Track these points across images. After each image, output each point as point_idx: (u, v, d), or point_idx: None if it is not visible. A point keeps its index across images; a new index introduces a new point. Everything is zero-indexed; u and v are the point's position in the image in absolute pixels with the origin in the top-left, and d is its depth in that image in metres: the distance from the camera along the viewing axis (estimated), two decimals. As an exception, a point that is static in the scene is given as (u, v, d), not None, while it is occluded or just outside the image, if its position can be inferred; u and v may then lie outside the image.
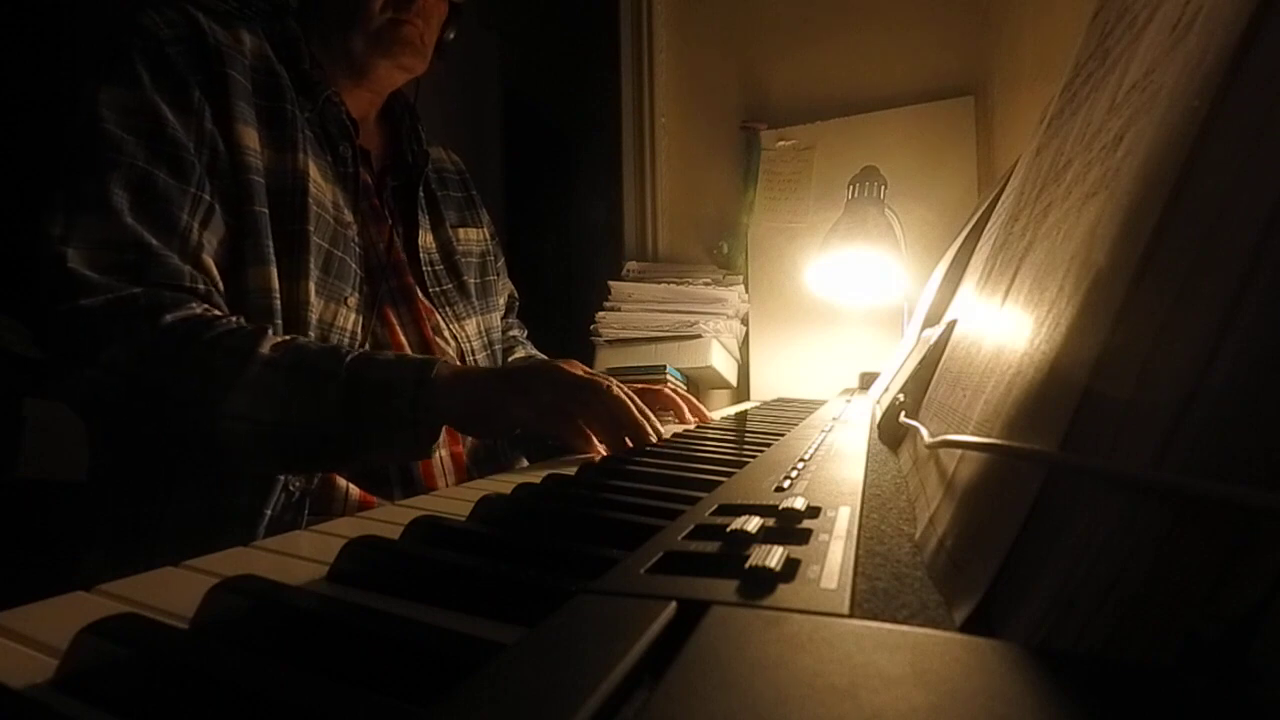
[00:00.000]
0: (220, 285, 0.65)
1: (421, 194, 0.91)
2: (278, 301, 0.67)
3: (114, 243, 0.59)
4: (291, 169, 0.71)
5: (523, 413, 0.61)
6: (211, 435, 0.58)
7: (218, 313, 0.63)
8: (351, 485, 0.71)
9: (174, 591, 0.25)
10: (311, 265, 0.70)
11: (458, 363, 0.86)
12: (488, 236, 1.03)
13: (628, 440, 0.60)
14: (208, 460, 0.63)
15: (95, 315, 0.57)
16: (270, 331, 0.62)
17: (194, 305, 0.61)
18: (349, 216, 0.76)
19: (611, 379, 0.63)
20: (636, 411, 0.61)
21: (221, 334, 0.59)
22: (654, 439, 0.62)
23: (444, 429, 0.63)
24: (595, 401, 0.61)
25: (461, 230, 0.97)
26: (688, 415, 0.88)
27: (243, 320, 0.63)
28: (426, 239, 0.90)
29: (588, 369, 0.66)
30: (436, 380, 0.59)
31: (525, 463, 0.92)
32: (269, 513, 0.65)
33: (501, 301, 1.04)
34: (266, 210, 0.68)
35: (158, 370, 0.58)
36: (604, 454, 0.60)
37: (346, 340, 0.74)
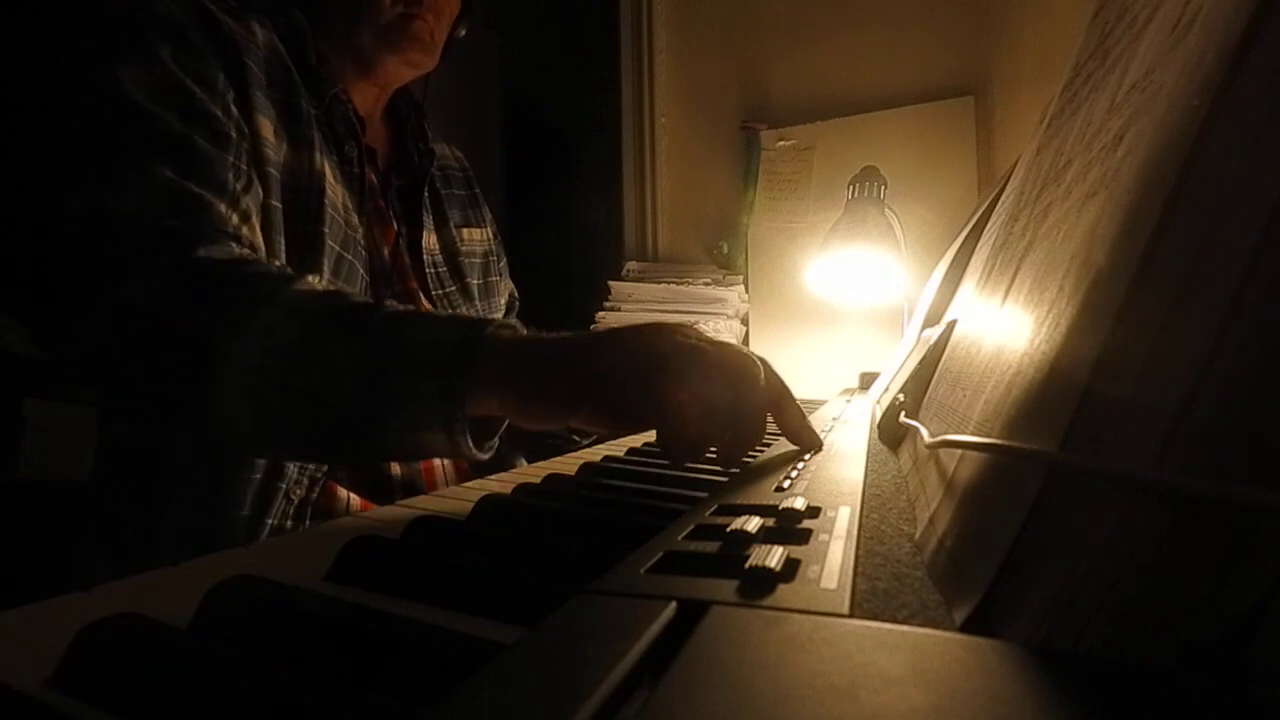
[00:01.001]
0: (262, 250, 0.60)
1: (426, 194, 0.89)
2: None
3: (159, 195, 0.54)
4: (308, 168, 0.69)
5: (602, 398, 0.43)
6: (208, 391, 0.48)
7: (255, 255, 0.56)
8: (352, 495, 0.70)
9: (174, 591, 0.25)
10: (325, 268, 0.68)
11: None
12: (491, 236, 1.02)
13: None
14: (201, 443, 0.56)
15: (125, 246, 0.52)
16: (310, 278, 0.51)
17: (234, 246, 0.55)
18: (355, 219, 0.75)
19: (761, 361, 0.45)
20: (798, 414, 0.46)
21: (252, 274, 0.51)
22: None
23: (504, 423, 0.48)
24: (742, 393, 0.42)
25: (465, 230, 0.95)
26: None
27: (288, 269, 0.55)
28: (430, 240, 0.88)
29: (709, 337, 0.46)
30: (493, 337, 0.44)
31: (525, 463, 0.91)
32: (270, 522, 0.64)
33: (502, 302, 1.03)
34: (280, 205, 0.66)
35: (173, 306, 0.50)
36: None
37: None
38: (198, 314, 0.49)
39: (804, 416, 0.47)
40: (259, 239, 0.61)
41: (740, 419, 0.42)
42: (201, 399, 0.49)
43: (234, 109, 0.63)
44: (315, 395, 0.47)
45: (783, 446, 0.54)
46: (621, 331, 0.46)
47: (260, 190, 0.63)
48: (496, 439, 0.48)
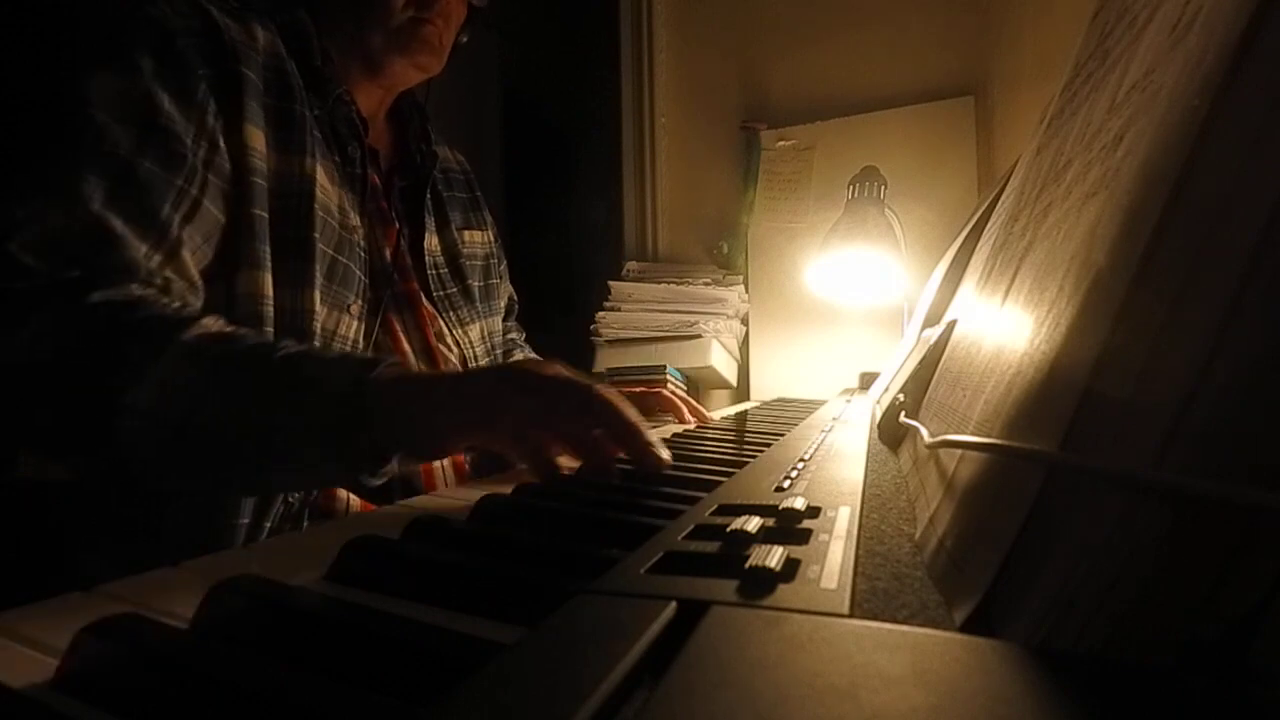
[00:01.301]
0: (197, 282, 0.61)
1: (428, 195, 0.90)
2: (269, 308, 0.65)
3: (72, 230, 0.54)
4: (299, 174, 0.69)
5: (475, 428, 0.49)
6: (105, 436, 0.49)
7: (155, 295, 0.56)
8: (352, 496, 0.70)
9: (174, 591, 0.25)
10: (316, 273, 0.68)
11: (458, 366, 0.84)
12: (491, 239, 1.02)
13: (619, 453, 0.48)
14: (100, 473, 0.55)
15: (19, 297, 0.50)
16: (206, 321, 0.53)
17: (134, 288, 0.54)
18: (355, 220, 0.75)
19: (596, 385, 0.51)
20: (635, 423, 0.48)
21: (145, 317, 0.51)
22: (661, 466, 0.48)
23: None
24: (581, 411, 0.48)
25: (466, 232, 0.96)
26: (687, 416, 0.88)
27: (194, 308, 0.56)
28: (432, 242, 0.89)
29: (571, 369, 0.52)
30: (378, 380, 0.48)
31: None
32: (269, 525, 0.64)
33: (502, 304, 1.04)
34: (266, 214, 0.66)
35: (66, 353, 0.50)
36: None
37: (349, 348, 0.72)
38: (91, 361, 0.50)
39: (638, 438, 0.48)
40: (189, 269, 0.60)
41: (566, 431, 0.48)
42: (102, 442, 0.50)
43: (210, 119, 0.63)
44: (213, 437, 0.49)
45: (783, 446, 0.54)
46: (484, 371, 0.54)
47: (221, 208, 0.63)
48: (392, 464, 0.51)
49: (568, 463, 0.50)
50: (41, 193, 0.55)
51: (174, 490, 0.60)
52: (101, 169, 0.57)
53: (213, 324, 0.54)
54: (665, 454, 0.48)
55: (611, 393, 0.50)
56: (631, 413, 0.49)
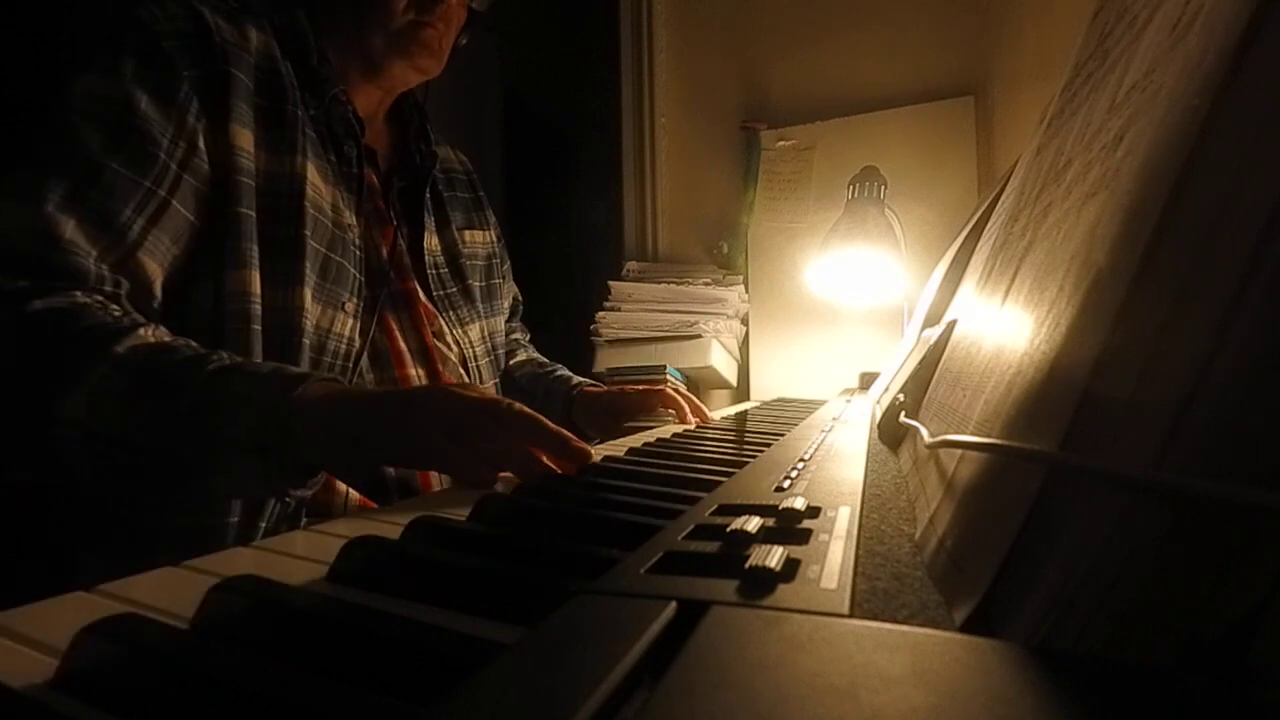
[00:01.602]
0: (154, 287, 0.61)
1: (428, 195, 0.90)
2: (257, 306, 0.65)
3: (23, 232, 0.55)
4: (289, 173, 0.69)
5: (396, 448, 0.51)
6: (41, 442, 0.51)
7: (101, 303, 0.56)
8: (351, 492, 0.71)
9: (174, 591, 0.25)
10: (308, 271, 0.68)
11: (457, 375, 0.85)
12: (494, 239, 1.02)
13: (548, 460, 0.48)
14: (38, 474, 0.56)
15: None
16: (142, 331, 0.54)
17: (77, 294, 0.55)
18: (350, 219, 0.75)
19: (508, 401, 0.52)
20: (553, 427, 0.50)
21: (87, 326, 0.52)
22: (588, 455, 0.49)
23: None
24: (497, 426, 0.49)
25: (468, 232, 0.96)
26: (689, 415, 0.88)
27: (136, 318, 0.57)
28: (432, 241, 0.89)
29: (478, 389, 0.54)
30: (300, 400, 0.49)
31: None
32: (263, 525, 0.64)
33: (506, 305, 1.04)
34: (253, 213, 0.66)
35: (3, 361, 0.51)
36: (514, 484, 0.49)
37: (344, 347, 0.73)
38: (29, 370, 0.51)
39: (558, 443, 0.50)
40: (146, 272, 0.61)
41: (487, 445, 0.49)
42: (40, 450, 0.52)
43: (192, 120, 0.64)
44: (144, 447, 0.50)
45: (783, 446, 0.54)
46: (402, 392, 0.57)
47: (188, 216, 0.63)
48: (320, 476, 0.53)
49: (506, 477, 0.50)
50: (2, 195, 0.56)
51: (110, 496, 0.61)
52: (65, 170, 0.57)
53: (150, 335, 0.55)
54: (587, 446, 0.50)
55: (521, 406, 0.51)
56: (545, 420, 0.50)
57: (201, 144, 0.64)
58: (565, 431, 0.50)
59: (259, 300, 0.66)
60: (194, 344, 0.56)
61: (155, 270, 0.62)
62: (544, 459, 0.49)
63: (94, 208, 0.58)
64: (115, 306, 0.57)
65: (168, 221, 0.62)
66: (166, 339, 0.56)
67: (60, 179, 0.57)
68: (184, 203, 0.63)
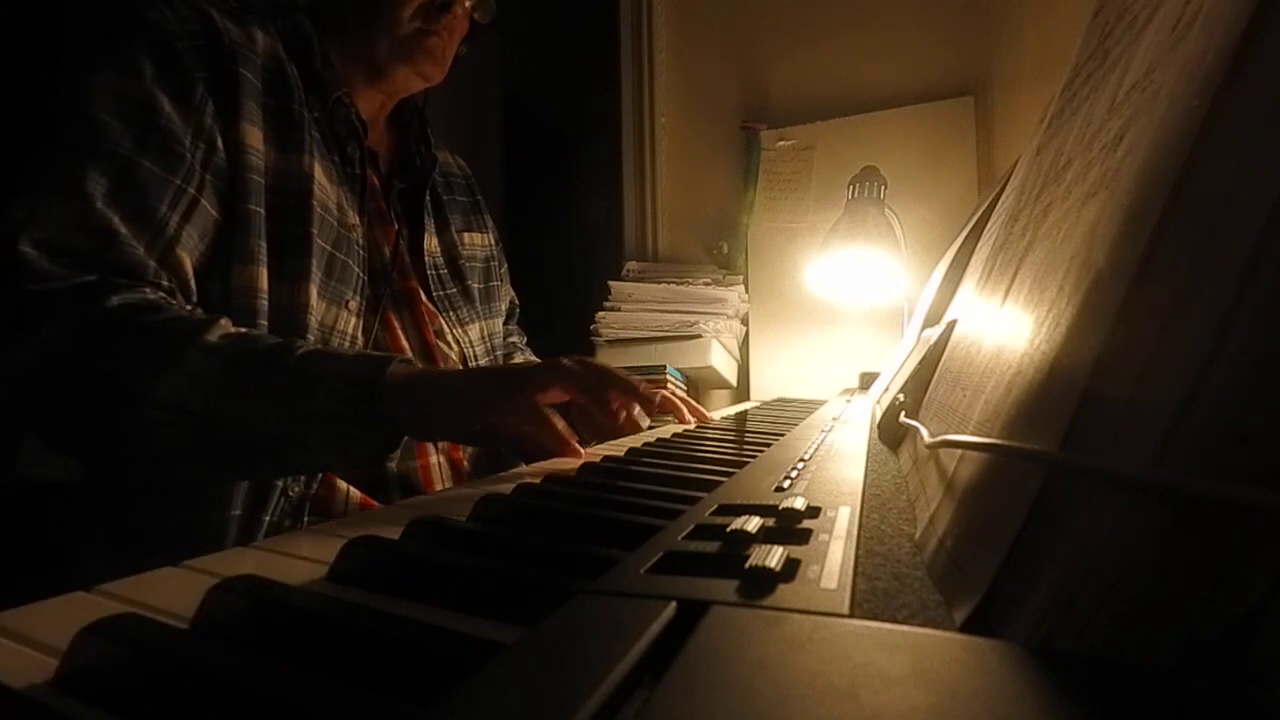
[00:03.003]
0: (191, 282, 0.64)
1: (428, 198, 0.91)
2: (264, 302, 0.66)
3: (78, 228, 0.57)
4: (296, 171, 0.70)
5: (483, 409, 0.56)
6: (139, 427, 0.54)
7: (165, 300, 0.59)
8: (352, 489, 0.71)
9: (174, 591, 0.25)
10: (313, 268, 0.69)
11: (454, 364, 0.86)
12: (492, 242, 1.03)
13: (616, 408, 0.57)
14: (132, 459, 0.59)
15: (37, 299, 0.54)
16: (223, 322, 0.58)
17: (146, 291, 0.58)
18: (353, 219, 0.76)
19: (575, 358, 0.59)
20: (616, 374, 0.58)
21: (167, 319, 0.56)
22: (649, 405, 0.61)
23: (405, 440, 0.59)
24: (557, 371, 0.56)
25: (466, 235, 0.97)
26: (687, 416, 0.88)
27: (199, 311, 0.60)
28: (432, 243, 0.90)
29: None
30: (391, 378, 0.54)
31: (524, 466, 0.92)
32: (268, 519, 0.65)
33: (503, 307, 1.04)
34: (262, 210, 0.67)
35: (90, 353, 0.54)
36: (579, 446, 0.58)
37: (347, 344, 0.73)
38: (114, 361, 0.54)
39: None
40: (187, 269, 0.63)
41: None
42: (131, 436, 0.55)
43: (209, 120, 0.65)
44: (243, 423, 0.55)
45: (783, 446, 0.54)
46: (485, 369, 0.68)
47: (215, 205, 0.65)
48: (399, 449, 0.59)
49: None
50: (46, 189, 0.57)
51: (200, 476, 0.63)
52: (102, 167, 0.59)
53: (227, 325, 0.58)
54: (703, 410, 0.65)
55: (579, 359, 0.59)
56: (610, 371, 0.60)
57: (219, 143, 0.65)
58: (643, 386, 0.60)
59: (266, 296, 0.67)
60: (269, 335, 0.62)
61: (189, 265, 0.64)
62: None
63: (135, 205, 0.60)
64: (177, 300, 0.61)
65: (197, 218, 0.64)
66: (243, 329, 0.60)
67: (100, 175, 0.58)
68: (209, 200, 0.65)
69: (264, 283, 0.67)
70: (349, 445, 0.55)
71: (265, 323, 0.66)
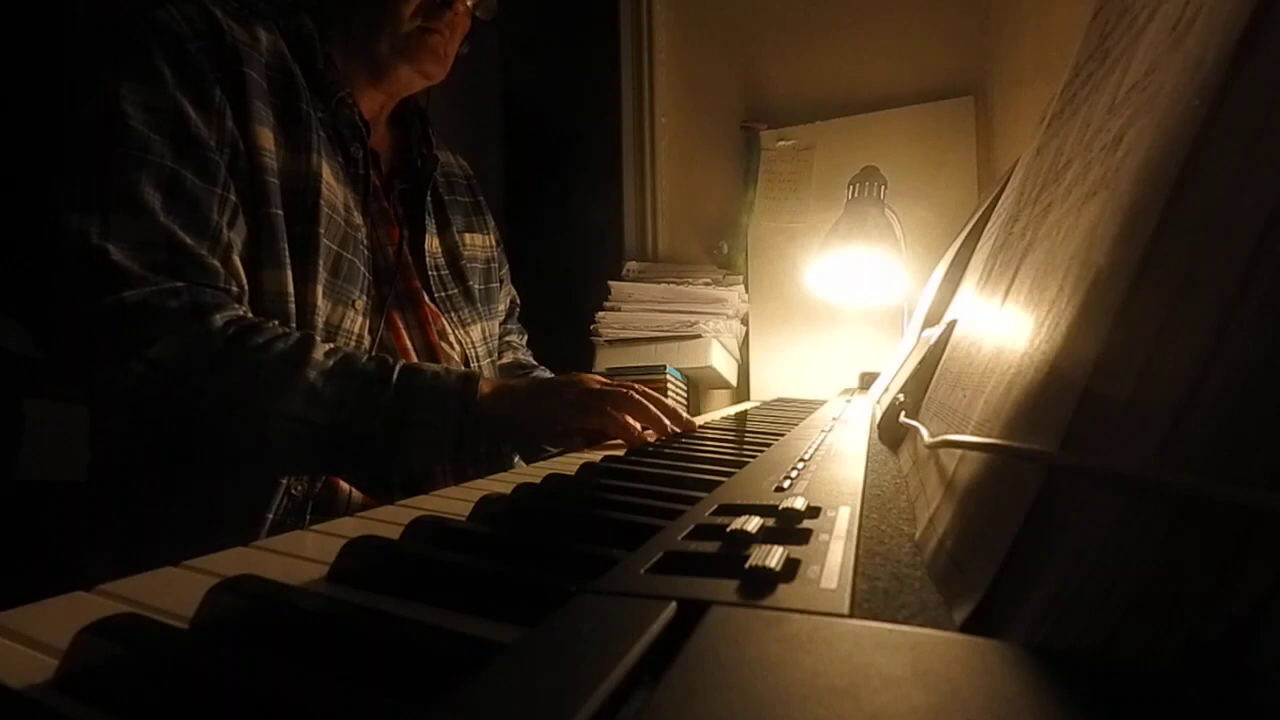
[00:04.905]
0: (245, 285, 0.66)
1: (429, 198, 0.91)
2: (292, 305, 0.67)
3: (150, 242, 0.59)
4: (305, 170, 0.70)
5: (566, 413, 0.66)
6: (261, 437, 0.60)
7: (259, 318, 0.64)
8: (354, 489, 0.71)
9: (174, 591, 0.25)
10: (320, 268, 0.70)
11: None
12: (493, 242, 1.03)
13: (667, 423, 0.68)
14: (250, 458, 0.64)
15: (142, 309, 0.57)
16: (316, 340, 0.64)
17: (236, 307, 0.63)
18: (358, 219, 0.76)
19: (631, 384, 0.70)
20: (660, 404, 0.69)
21: (271, 339, 0.61)
22: (689, 424, 0.71)
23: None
24: (624, 398, 0.67)
25: (468, 235, 0.97)
26: (667, 427, 0.82)
27: (279, 324, 0.65)
28: (433, 243, 0.90)
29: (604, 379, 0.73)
30: (481, 390, 0.64)
31: (523, 465, 0.92)
32: (270, 516, 0.65)
33: (502, 308, 1.05)
34: (281, 212, 0.68)
35: (205, 371, 0.59)
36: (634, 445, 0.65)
37: (353, 344, 0.74)
38: (230, 382, 0.60)
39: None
40: (242, 275, 0.65)
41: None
42: (251, 441, 0.61)
43: (229, 124, 0.65)
44: (354, 431, 0.62)
45: (783, 446, 0.54)
46: (554, 380, 0.76)
47: (242, 210, 0.66)
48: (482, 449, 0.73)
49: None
50: (111, 202, 0.59)
51: (304, 475, 0.68)
52: (154, 179, 0.60)
53: (320, 342, 0.65)
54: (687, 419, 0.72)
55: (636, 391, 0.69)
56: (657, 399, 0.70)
57: (241, 146, 0.66)
58: (667, 410, 0.70)
59: (293, 299, 0.68)
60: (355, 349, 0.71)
61: (243, 270, 0.66)
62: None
63: (188, 215, 0.62)
64: (265, 318, 0.65)
65: (238, 225, 0.65)
66: (331, 345, 0.66)
67: (153, 189, 0.60)
68: (243, 205, 0.66)
69: (290, 286, 0.68)
70: (442, 447, 0.63)
71: (294, 325, 0.67)
